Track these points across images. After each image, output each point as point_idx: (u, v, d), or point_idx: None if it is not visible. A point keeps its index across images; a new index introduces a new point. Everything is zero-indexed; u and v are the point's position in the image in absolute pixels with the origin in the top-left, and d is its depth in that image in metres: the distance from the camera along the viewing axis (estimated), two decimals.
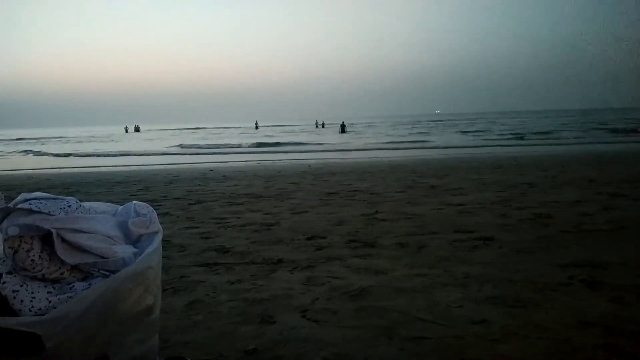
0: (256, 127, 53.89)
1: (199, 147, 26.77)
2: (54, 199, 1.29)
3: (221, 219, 4.52)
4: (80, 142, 37.61)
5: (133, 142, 34.31)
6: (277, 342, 1.85)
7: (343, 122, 41.04)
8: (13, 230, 1.17)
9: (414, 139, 27.65)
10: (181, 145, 28.33)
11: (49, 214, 1.23)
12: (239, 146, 26.68)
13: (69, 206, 1.30)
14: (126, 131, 59.35)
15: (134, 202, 1.49)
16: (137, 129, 60.47)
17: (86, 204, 1.40)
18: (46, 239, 1.22)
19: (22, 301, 1.16)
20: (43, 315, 1.14)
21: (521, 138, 25.64)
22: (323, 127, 47.44)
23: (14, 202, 1.24)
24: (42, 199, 1.27)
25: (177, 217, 4.72)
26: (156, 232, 1.44)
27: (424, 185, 6.53)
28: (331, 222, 4.12)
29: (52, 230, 1.21)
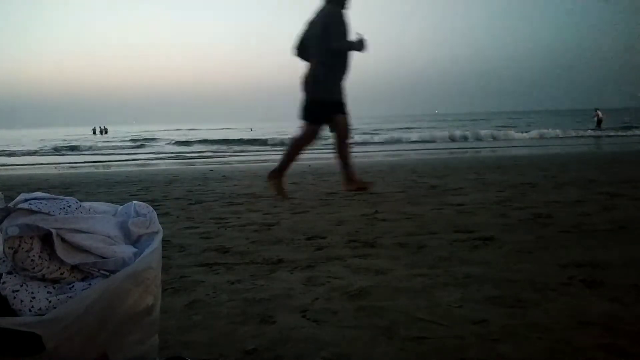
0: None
1: None
2: (54, 199, 1.29)
3: (221, 219, 4.51)
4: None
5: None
6: (277, 342, 1.85)
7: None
8: (13, 231, 1.17)
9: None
10: None
11: (48, 214, 1.23)
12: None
13: (69, 206, 1.30)
14: (94, 133, 57.47)
15: (134, 202, 1.49)
16: (102, 131, 58.12)
17: (86, 204, 1.40)
18: (46, 239, 1.22)
19: (22, 301, 1.16)
20: (43, 315, 1.14)
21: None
22: None
23: (14, 202, 1.24)
24: (42, 199, 1.27)
25: (177, 217, 4.72)
26: (156, 232, 1.44)
27: (424, 185, 6.53)
28: (331, 222, 4.12)
29: (52, 230, 1.21)
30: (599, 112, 27.80)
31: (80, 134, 58.56)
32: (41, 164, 18.96)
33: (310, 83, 5.76)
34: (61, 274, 1.23)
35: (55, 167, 16.09)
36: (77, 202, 1.34)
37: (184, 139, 37.81)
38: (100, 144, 33.42)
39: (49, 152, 28.59)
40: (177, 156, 21.79)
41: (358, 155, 16.98)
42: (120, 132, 61.12)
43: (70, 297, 1.19)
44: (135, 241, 1.40)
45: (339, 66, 5.77)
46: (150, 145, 32.59)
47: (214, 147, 28.70)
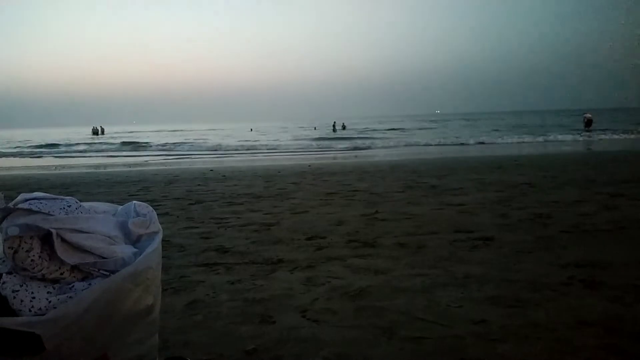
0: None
1: None
2: (54, 199, 1.29)
3: (221, 219, 4.51)
4: None
5: None
6: (277, 342, 1.85)
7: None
8: (13, 230, 1.17)
9: None
10: None
11: (48, 214, 1.23)
12: None
13: (69, 206, 1.30)
14: (93, 133, 56.06)
15: (134, 202, 1.49)
16: (98, 131, 56.61)
17: (86, 204, 1.40)
18: (46, 239, 1.22)
19: (22, 301, 1.16)
20: (43, 315, 1.14)
21: None
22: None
23: (14, 202, 1.24)
24: (42, 199, 1.27)
25: (177, 217, 4.72)
26: (156, 232, 1.44)
27: (424, 185, 6.53)
28: (331, 222, 4.12)
29: (52, 230, 1.20)
30: (588, 114, 29.11)
31: (79, 133, 58.32)
32: (40, 164, 18.97)
33: None
34: (61, 274, 1.22)
35: (55, 167, 16.10)
36: (77, 202, 1.34)
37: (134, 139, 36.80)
38: (84, 146, 32.81)
39: (49, 152, 28.60)
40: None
41: (359, 155, 16.98)
42: (117, 132, 60.89)
43: (70, 297, 1.19)
44: (135, 241, 1.40)
45: None
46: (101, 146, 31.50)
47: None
